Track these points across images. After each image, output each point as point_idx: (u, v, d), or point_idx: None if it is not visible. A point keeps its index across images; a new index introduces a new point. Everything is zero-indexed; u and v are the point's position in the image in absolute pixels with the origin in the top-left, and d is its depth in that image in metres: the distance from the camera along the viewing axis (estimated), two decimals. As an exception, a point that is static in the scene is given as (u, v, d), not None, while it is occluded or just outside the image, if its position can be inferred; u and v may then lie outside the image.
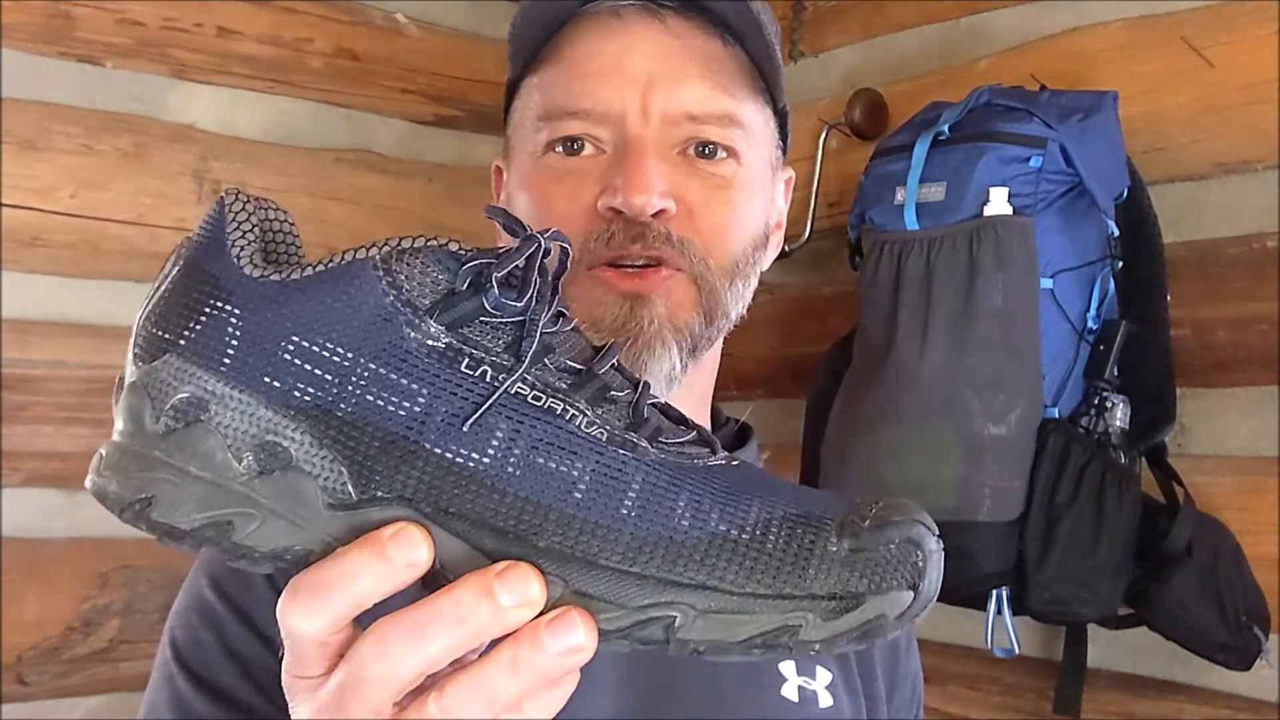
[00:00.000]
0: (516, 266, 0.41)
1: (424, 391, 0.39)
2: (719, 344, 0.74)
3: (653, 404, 0.43)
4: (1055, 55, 1.52)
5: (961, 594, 1.33)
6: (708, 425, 0.78)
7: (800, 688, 0.69)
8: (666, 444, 0.41)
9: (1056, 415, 1.31)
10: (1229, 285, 1.34)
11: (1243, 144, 1.34)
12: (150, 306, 0.41)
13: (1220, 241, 1.36)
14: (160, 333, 0.40)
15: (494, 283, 0.40)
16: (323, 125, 1.70)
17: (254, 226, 0.41)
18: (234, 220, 0.41)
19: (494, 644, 0.38)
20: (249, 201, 0.42)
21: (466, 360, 0.39)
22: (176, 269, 0.41)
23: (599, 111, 0.67)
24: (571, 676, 0.39)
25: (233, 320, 0.39)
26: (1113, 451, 1.29)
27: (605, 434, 0.40)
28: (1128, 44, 1.45)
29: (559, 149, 0.68)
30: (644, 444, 0.40)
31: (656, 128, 0.67)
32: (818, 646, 0.38)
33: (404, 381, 0.39)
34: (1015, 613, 1.33)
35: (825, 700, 0.70)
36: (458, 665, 0.39)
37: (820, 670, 0.71)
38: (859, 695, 0.73)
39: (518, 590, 0.37)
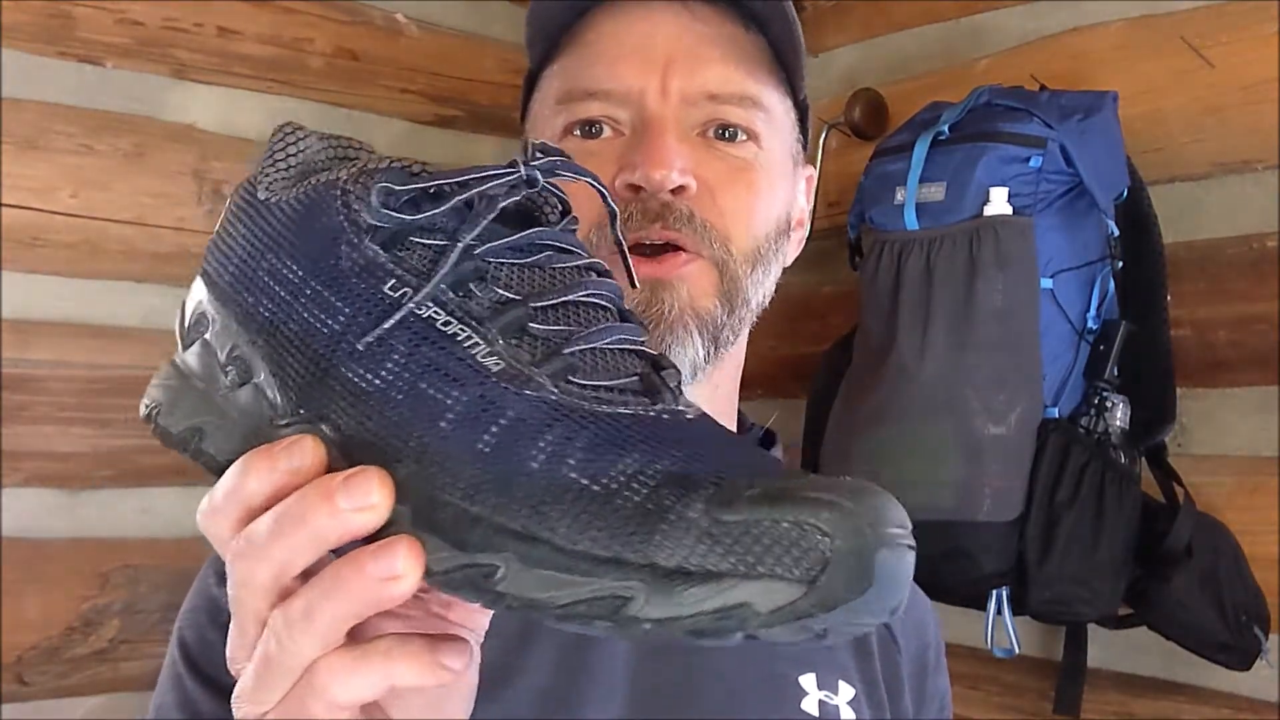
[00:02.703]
0: (457, 186, 0.40)
1: (346, 310, 0.38)
2: (743, 343, 0.73)
3: (630, 349, 0.40)
4: (1055, 55, 1.52)
5: (961, 594, 1.33)
6: (733, 429, 0.76)
7: (821, 702, 0.68)
8: (577, 385, 0.37)
9: (1056, 415, 1.31)
10: (1229, 285, 1.34)
11: (1243, 144, 1.34)
12: (211, 237, 0.44)
13: (1220, 241, 1.36)
14: (204, 260, 0.43)
15: (426, 203, 0.39)
16: (323, 125, 1.68)
17: (290, 156, 0.42)
18: (270, 152, 0.43)
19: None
20: (291, 134, 0.43)
21: (392, 281, 0.38)
22: (228, 202, 0.44)
23: (618, 92, 0.66)
24: (451, 651, 0.37)
25: (239, 241, 0.41)
26: (1113, 451, 1.29)
27: (500, 365, 0.37)
28: (1128, 44, 1.45)
29: (577, 132, 0.67)
30: (541, 379, 0.37)
31: (676, 107, 0.66)
32: (647, 627, 0.32)
33: (334, 300, 0.39)
34: (1015, 613, 1.33)
35: (847, 715, 0.68)
36: None
37: (843, 685, 0.69)
38: (884, 711, 0.71)
39: (357, 494, 0.35)
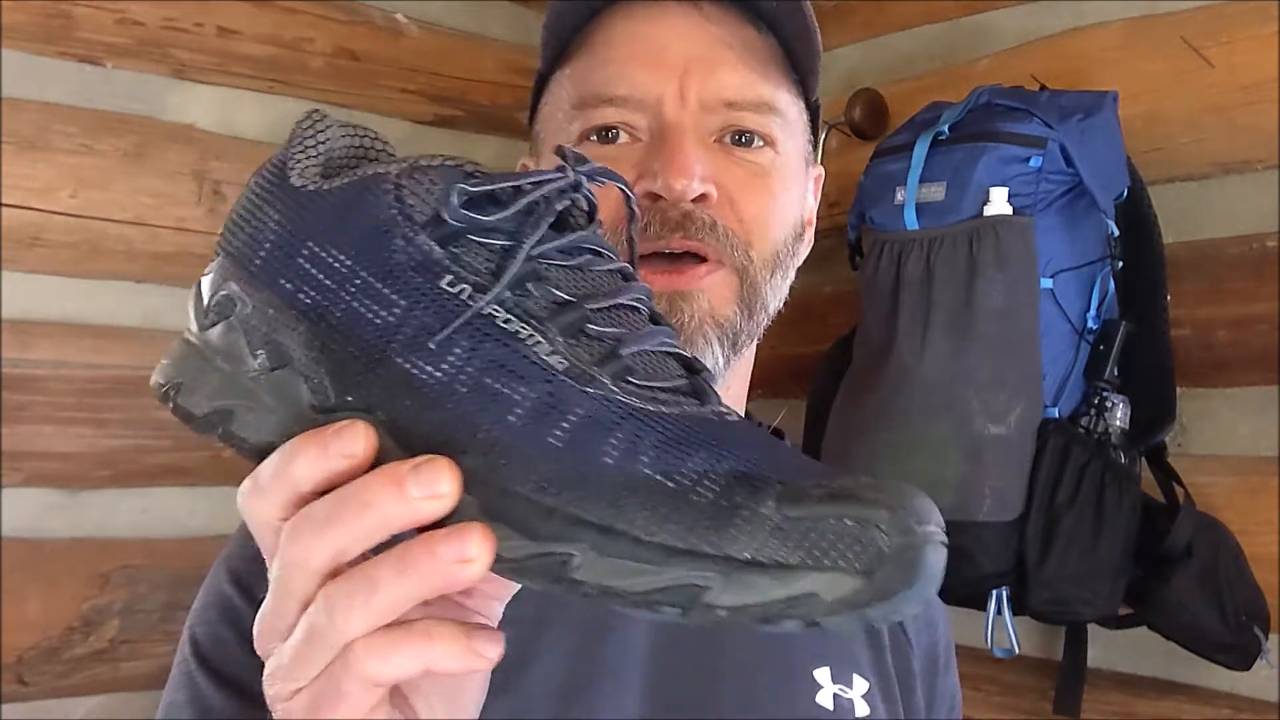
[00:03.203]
0: (514, 190, 0.41)
1: (401, 303, 0.39)
2: (753, 346, 0.73)
3: (669, 352, 0.42)
4: (1055, 55, 1.52)
5: (961, 594, 1.33)
6: None
7: (836, 695, 0.68)
8: (635, 385, 0.39)
9: (1056, 415, 1.31)
10: (1229, 285, 1.34)
11: (1243, 144, 1.34)
12: (229, 214, 0.44)
13: (1220, 241, 1.36)
14: (223, 237, 0.43)
15: (488, 204, 0.41)
16: (323, 125, 1.70)
17: (318, 144, 0.43)
18: (299, 139, 0.43)
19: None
20: (319, 122, 0.44)
21: (449, 277, 0.39)
22: (251, 180, 0.44)
23: (635, 98, 0.66)
24: (483, 647, 0.38)
25: (270, 225, 0.42)
26: (1113, 451, 1.29)
27: (564, 364, 0.39)
28: (1128, 44, 1.45)
29: (593, 138, 0.67)
30: (604, 379, 0.39)
31: (694, 114, 0.66)
32: (724, 613, 0.35)
33: (386, 292, 0.39)
34: (1015, 613, 1.33)
35: (861, 709, 0.68)
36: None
37: (857, 678, 0.69)
38: (897, 705, 0.72)
39: (427, 482, 0.36)
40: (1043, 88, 1.43)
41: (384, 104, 1.76)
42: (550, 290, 0.41)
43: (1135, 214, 1.36)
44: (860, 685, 0.69)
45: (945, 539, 0.36)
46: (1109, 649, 1.40)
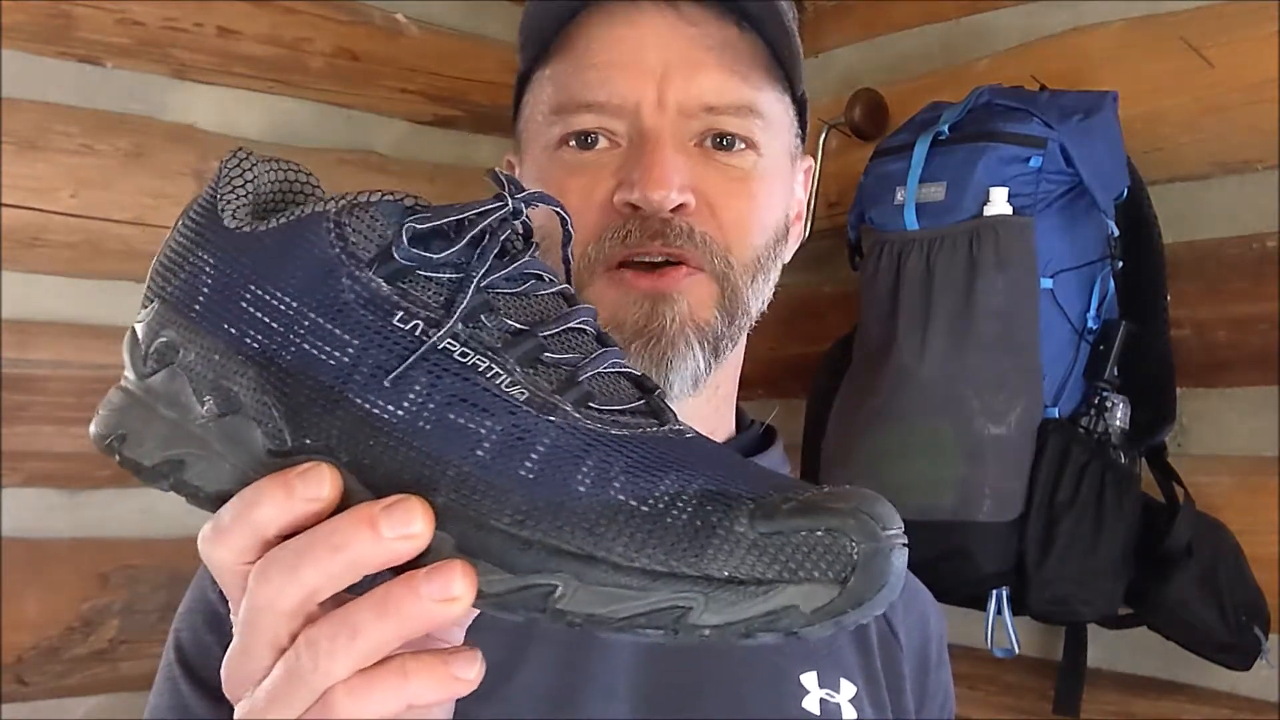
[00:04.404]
0: (458, 223, 0.41)
1: (355, 342, 0.39)
2: (742, 344, 0.73)
3: (620, 372, 0.42)
4: (1055, 55, 1.52)
5: (961, 594, 1.33)
6: (732, 427, 0.76)
7: (823, 700, 0.67)
8: (596, 410, 0.39)
9: (1056, 415, 1.31)
10: (1229, 285, 1.34)
11: (1243, 144, 1.34)
12: (156, 258, 0.43)
13: (1220, 241, 1.36)
14: (155, 282, 0.43)
15: (433, 238, 0.40)
16: (323, 126, 1.70)
17: (246, 183, 0.43)
18: (227, 178, 0.43)
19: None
20: (245, 159, 0.44)
21: (400, 314, 0.39)
22: (178, 222, 0.43)
23: (614, 103, 0.65)
24: (466, 663, 0.37)
25: (206, 269, 0.41)
26: (1113, 451, 1.29)
27: (525, 394, 0.39)
28: (1128, 44, 1.45)
29: (572, 143, 0.67)
30: (566, 407, 0.39)
31: (673, 119, 0.65)
32: (708, 633, 0.35)
33: (338, 332, 0.39)
34: (1015, 613, 1.33)
35: (849, 713, 0.68)
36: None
37: (844, 683, 0.69)
38: (885, 709, 0.71)
39: (399, 522, 0.36)
40: (1043, 88, 1.43)
41: (383, 104, 1.76)
42: (502, 320, 0.41)
43: (1135, 214, 1.36)
44: (847, 689, 0.69)
45: (906, 541, 0.37)
46: (1109, 649, 1.40)
